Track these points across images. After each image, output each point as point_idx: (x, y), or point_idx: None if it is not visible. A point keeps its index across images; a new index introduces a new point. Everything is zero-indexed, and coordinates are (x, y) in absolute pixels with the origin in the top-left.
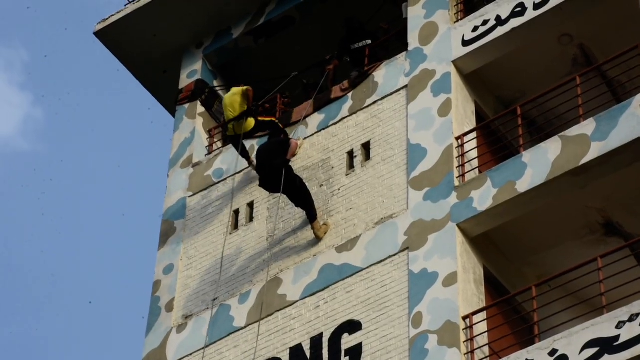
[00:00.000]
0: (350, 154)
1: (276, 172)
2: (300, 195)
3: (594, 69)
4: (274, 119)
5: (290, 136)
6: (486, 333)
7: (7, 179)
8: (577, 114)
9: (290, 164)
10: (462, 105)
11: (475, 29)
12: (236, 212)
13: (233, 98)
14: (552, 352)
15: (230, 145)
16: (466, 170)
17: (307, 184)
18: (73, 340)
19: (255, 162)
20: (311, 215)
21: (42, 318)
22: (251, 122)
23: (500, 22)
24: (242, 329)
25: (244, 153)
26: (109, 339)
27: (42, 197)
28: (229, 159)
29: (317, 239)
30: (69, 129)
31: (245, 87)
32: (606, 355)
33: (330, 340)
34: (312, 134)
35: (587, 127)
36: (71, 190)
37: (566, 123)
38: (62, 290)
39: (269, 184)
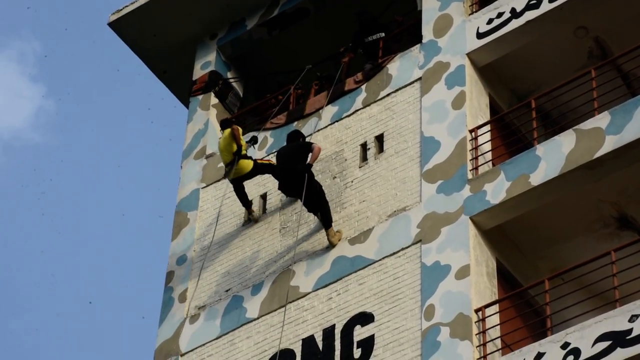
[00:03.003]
0: (364, 146)
1: (298, 177)
2: (318, 201)
3: (609, 62)
4: (271, 162)
5: (306, 134)
6: (498, 326)
7: (19, 171)
8: (591, 107)
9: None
10: (476, 98)
11: (490, 21)
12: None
13: (225, 142)
14: (565, 345)
15: (246, 136)
16: (480, 163)
17: (320, 176)
18: (73, 340)
19: (255, 212)
20: (327, 221)
21: (42, 318)
22: (249, 164)
23: (515, 14)
24: (254, 320)
25: (245, 201)
26: (109, 339)
27: (42, 197)
28: None
29: (331, 246)
30: (81, 122)
31: (231, 128)
32: (619, 348)
33: (342, 332)
34: (326, 126)
35: (601, 120)
36: (73, 188)
37: (581, 116)
38: (62, 290)
39: (290, 188)
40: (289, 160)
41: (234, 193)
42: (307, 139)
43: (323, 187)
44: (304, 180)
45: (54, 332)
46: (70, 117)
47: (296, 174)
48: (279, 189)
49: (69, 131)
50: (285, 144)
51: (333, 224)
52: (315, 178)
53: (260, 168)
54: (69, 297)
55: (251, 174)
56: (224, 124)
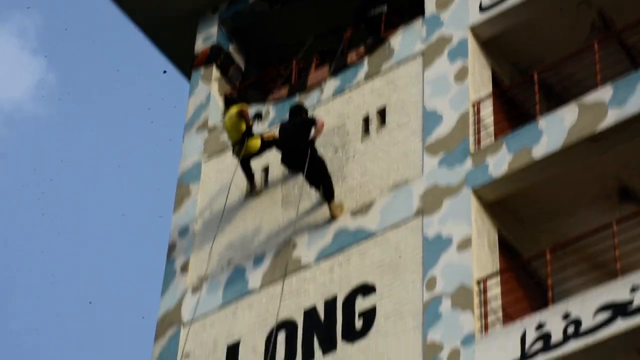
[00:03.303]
0: (366, 120)
1: (301, 152)
2: (320, 175)
3: (612, 35)
4: (275, 135)
5: (309, 109)
6: (500, 297)
7: (20, 143)
8: (594, 81)
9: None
10: (478, 72)
11: None
12: (250, 178)
13: (231, 121)
14: (566, 316)
15: (249, 108)
16: (482, 137)
17: (322, 149)
18: (73, 340)
19: (258, 186)
20: (329, 194)
21: (42, 318)
22: (257, 142)
23: None
24: (256, 291)
25: (250, 176)
26: (109, 340)
27: (42, 197)
28: None
29: (333, 219)
30: (82, 94)
31: (239, 107)
32: (619, 319)
33: (344, 303)
34: (328, 100)
35: (604, 93)
36: (73, 188)
37: (583, 90)
38: (62, 290)
39: (292, 162)
40: (292, 136)
41: (234, 166)
42: (309, 114)
43: (326, 161)
44: (306, 156)
45: (54, 332)
46: (71, 90)
47: (299, 149)
48: (281, 162)
49: (69, 103)
50: (287, 117)
51: (335, 197)
52: (319, 151)
53: (266, 144)
54: (69, 297)
55: (259, 151)
56: (228, 102)
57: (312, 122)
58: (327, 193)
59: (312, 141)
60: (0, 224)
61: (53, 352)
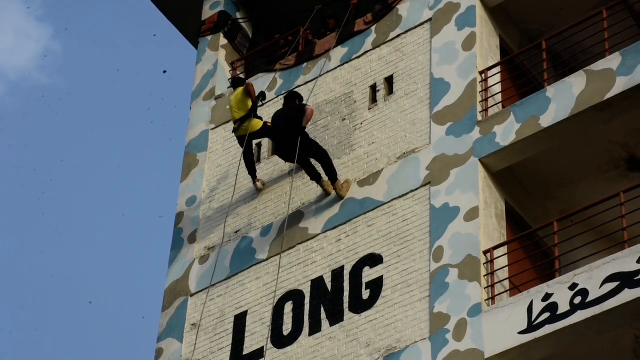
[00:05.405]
0: (373, 88)
1: (292, 140)
2: (318, 159)
3: (620, 2)
4: None
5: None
6: (507, 267)
7: (26, 113)
8: (602, 48)
9: (314, 97)
10: (486, 39)
11: None
12: (259, 145)
13: (237, 98)
14: (573, 287)
15: (256, 78)
16: (489, 105)
17: (329, 117)
18: (73, 340)
19: (260, 182)
20: (332, 176)
21: (42, 318)
22: (258, 123)
23: None
24: (264, 261)
25: (252, 168)
26: (109, 339)
27: (42, 197)
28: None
29: (340, 198)
30: (88, 63)
31: (246, 85)
32: (626, 289)
33: (351, 273)
34: (335, 68)
35: (612, 61)
36: (73, 188)
37: (591, 57)
38: (62, 290)
39: (285, 151)
40: (283, 123)
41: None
42: (315, 82)
43: (332, 129)
44: (297, 143)
45: (54, 332)
46: (77, 59)
47: (289, 136)
48: (274, 153)
49: (75, 72)
50: (294, 85)
51: (340, 174)
52: (325, 120)
53: (267, 130)
54: (69, 297)
55: (258, 134)
56: (235, 83)
57: (302, 109)
58: (329, 175)
59: (303, 128)
60: (0, 224)
61: (53, 352)
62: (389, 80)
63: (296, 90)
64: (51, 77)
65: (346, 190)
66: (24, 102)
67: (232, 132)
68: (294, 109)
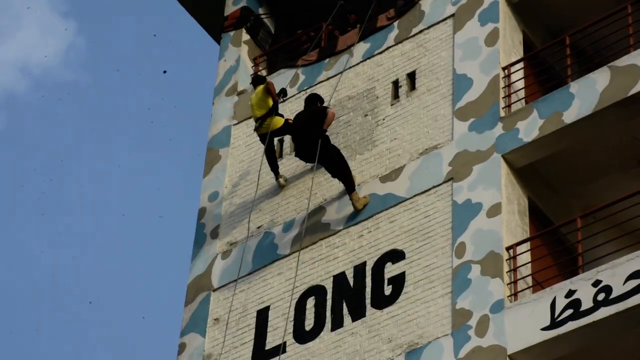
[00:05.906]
0: (396, 84)
1: (312, 142)
2: (337, 167)
3: None
4: None
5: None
6: (529, 264)
7: (50, 109)
8: (627, 44)
9: (336, 93)
10: (509, 35)
11: None
12: (281, 141)
13: (258, 97)
14: (596, 283)
15: (278, 73)
16: (512, 101)
17: (351, 113)
18: (73, 340)
19: (282, 178)
20: (349, 186)
21: (42, 318)
22: (279, 120)
23: None
24: (285, 256)
25: (274, 165)
26: (109, 339)
27: (42, 197)
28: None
29: (356, 211)
30: (112, 59)
31: (266, 83)
32: None
33: (373, 269)
34: (358, 63)
35: (637, 57)
36: (73, 188)
37: (616, 53)
38: (62, 290)
39: (305, 153)
40: (304, 125)
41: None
42: (338, 77)
43: (354, 125)
44: (317, 146)
45: (54, 332)
46: (100, 54)
47: (310, 139)
48: (295, 155)
49: (99, 68)
50: (316, 81)
51: (362, 170)
52: (347, 116)
53: (289, 127)
54: (69, 297)
55: (280, 132)
56: (255, 81)
57: (323, 111)
58: (346, 185)
59: (324, 131)
60: (0, 224)
61: (53, 352)
62: (411, 76)
63: (318, 85)
64: (75, 72)
65: (362, 204)
66: (47, 97)
67: (254, 130)
68: (315, 112)
